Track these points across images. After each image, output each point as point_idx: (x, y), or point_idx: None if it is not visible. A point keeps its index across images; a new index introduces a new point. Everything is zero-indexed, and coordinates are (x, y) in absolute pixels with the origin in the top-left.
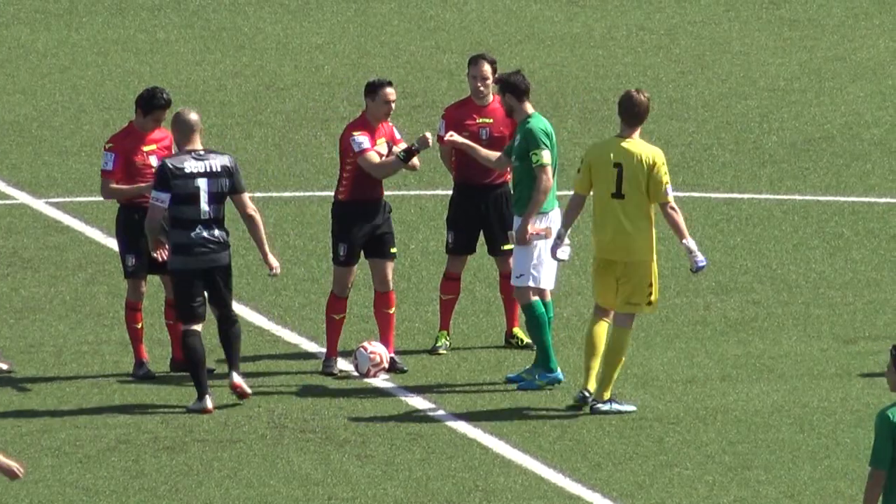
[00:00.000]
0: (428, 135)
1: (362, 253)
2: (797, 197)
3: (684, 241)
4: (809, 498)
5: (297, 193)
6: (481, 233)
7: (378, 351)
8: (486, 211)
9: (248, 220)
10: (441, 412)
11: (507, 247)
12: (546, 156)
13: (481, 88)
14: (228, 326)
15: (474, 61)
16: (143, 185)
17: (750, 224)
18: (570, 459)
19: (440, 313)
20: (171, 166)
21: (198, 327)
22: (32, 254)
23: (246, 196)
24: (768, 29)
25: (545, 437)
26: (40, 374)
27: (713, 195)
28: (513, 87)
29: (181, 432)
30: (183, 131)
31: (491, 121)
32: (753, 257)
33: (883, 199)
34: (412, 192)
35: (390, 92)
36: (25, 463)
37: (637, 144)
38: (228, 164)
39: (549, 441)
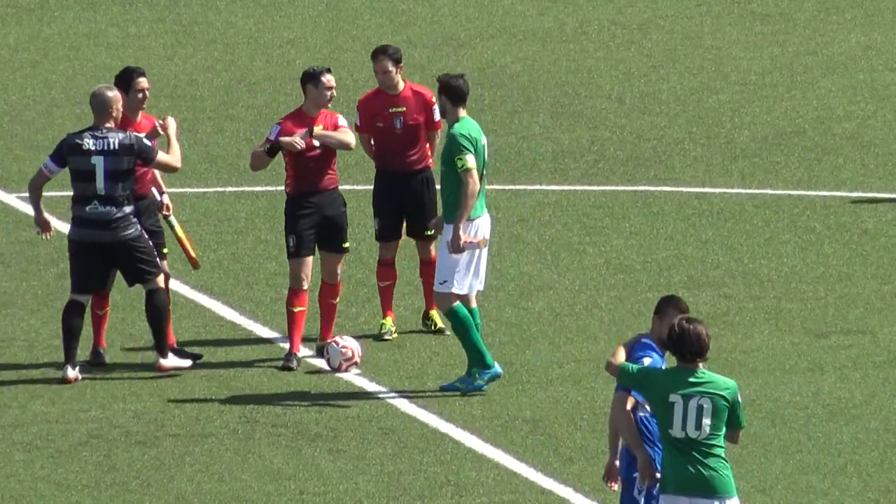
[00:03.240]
0: (297, 138)
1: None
2: (769, 191)
3: None
4: (781, 492)
5: (268, 188)
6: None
7: (350, 346)
8: (407, 197)
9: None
10: (413, 407)
11: (429, 232)
12: (470, 160)
13: (385, 80)
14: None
15: (375, 57)
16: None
17: (721, 218)
18: (542, 454)
19: (381, 300)
20: (69, 142)
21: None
22: (4, 248)
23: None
24: (740, 23)
25: (517, 431)
26: (12, 368)
27: (685, 189)
28: (450, 91)
29: (153, 427)
30: (94, 107)
31: (403, 109)
32: (725, 252)
33: (854, 194)
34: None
35: (330, 78)
36: None
37: None
38: (130, 142)
39: (521, 435)
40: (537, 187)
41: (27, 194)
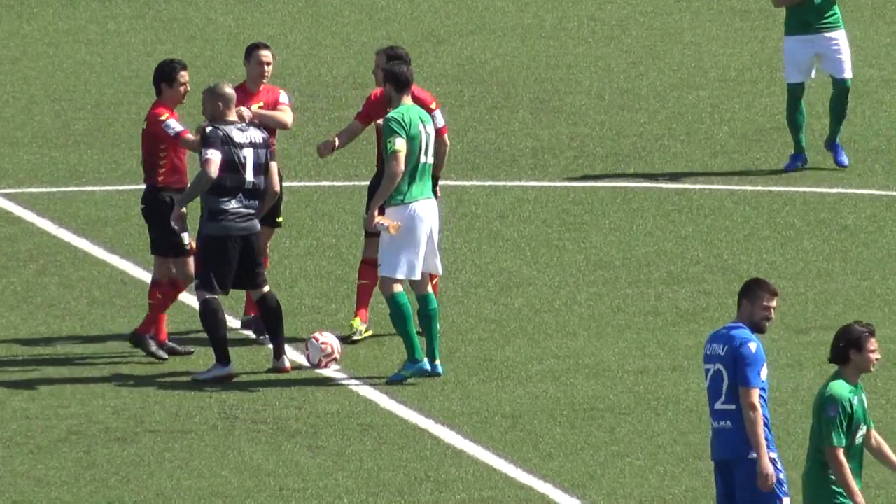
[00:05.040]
0: (244, 111)
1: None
2: (748, 187)
3: None
4: None
5: None
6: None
7: (329, 342)
8: None
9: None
10: (392, 403)
11: None
12: (399, 143)
13: (379, 78)
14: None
15: (377, 54)
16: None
17: (701, 214)
18: (522, 450)
19: (356, 299)
20: (222, 132)
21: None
22: None
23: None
24: (719, 19)
25: (496, 427)
26: None
27: (664, 185)
28: (392, 78)
29: (132, 423)
30: (223, 102)
31: None
32: (705, 248)
33: (834, 190)
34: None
35: (264, 54)
36: None
37: None
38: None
39: (501, 431)
40: (517, 183)
41: (7, 190)
